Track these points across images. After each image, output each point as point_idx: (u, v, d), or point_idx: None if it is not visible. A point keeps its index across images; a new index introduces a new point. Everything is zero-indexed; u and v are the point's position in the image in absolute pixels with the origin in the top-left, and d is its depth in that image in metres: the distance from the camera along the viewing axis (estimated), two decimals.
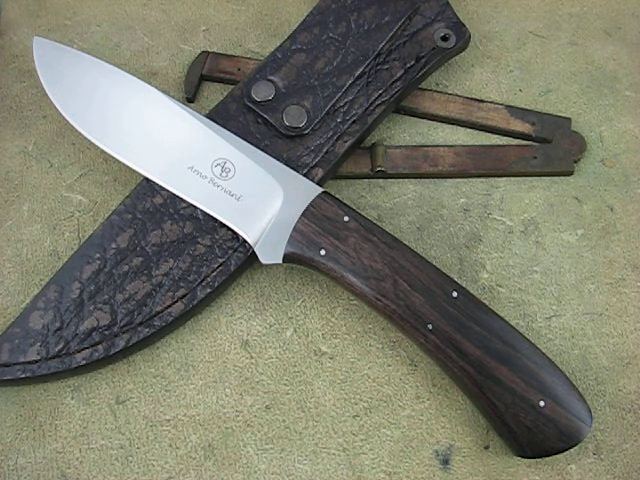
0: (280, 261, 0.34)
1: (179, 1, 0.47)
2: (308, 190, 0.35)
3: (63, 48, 0.37)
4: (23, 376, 0.33)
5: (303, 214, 0.34)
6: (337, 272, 0.34)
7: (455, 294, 0.33)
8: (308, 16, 0.41)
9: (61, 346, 0.34)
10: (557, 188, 0.41)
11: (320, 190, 0.35)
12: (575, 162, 0.41)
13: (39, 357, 0.33)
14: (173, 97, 0.38)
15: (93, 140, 0.36)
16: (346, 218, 0.34)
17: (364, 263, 0.33)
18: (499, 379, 0.31)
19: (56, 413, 0.34)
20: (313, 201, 0.34)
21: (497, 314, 0.33)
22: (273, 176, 0.35)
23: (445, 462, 0.34)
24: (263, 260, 0.35)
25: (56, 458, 0.33)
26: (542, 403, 0.31)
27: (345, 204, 0.35)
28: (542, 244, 0.39)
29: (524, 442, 0.32)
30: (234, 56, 0.43)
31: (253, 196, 0.35)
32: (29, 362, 0.33)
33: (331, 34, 0.41)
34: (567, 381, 0.32)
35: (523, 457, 0.32)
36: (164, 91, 0.37)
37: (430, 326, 0.32)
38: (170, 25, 0.46)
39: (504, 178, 0.41)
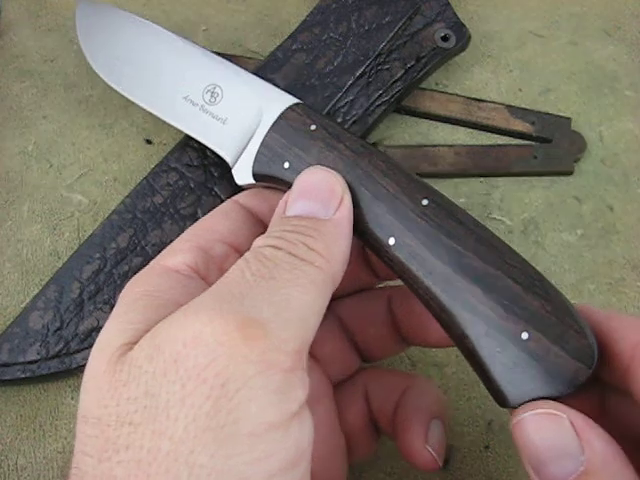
0: (252, 180, 0.31)
1: (179, 1, 0.47)
2: (282, 103, 0.31)
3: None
4: (23, 376, 0.33)
5: (271, 127, 0.31)
6: None
7: (425, 202, 0.27)
8: (309, 16, 0.41)
9: (61, 346, 0.34)
10: (557, 188, 0.41)
11: (294, 101, 0.32)
12: (575, 162, 0.41)
13: (39, 357, 0.33)
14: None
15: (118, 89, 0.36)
16: (313, 127, 0.29)
17: None
18: (471, 303, 0.25)
19: (56, 413, 0.34)
20: (283, 113, 0.31)
21: (480, 224, 0.27)
22: (255, 94, 0.32)
23: (445, 462, 0.34)
24: (238, 181, 0.32)
25: (56, 458, 0.33)
26: (525, 335, 0.24)
27: (322, 114, 0.31)
28: (542, 244, 0.39)
29: (502, 384, 0.24)
30: (234, 56, 0.43)
31: (236, 118, 0.33)
32: (29, 362, 0.33)
33: (332, 34, 0.41)
34: (565, 307, 0.24)
35: (503, 406, 0.24)
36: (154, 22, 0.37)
37: (392, 240, 0.27)
38: (170, 25, 0.45)
39: (504, 178, 0.41)
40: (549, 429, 0.20)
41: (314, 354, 0.29)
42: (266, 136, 0.31)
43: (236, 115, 0.33)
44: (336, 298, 0.30)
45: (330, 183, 0.25)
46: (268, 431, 0.19)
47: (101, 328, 0.34)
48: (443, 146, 0.41)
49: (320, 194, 0.25)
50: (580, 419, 0.20)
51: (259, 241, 0.24)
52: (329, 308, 0.27)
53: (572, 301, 0.37)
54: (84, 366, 0.34)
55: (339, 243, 0.24)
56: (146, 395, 0.19)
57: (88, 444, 0.20)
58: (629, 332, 0.21)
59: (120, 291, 0.35)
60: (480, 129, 0.42)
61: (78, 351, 0.34)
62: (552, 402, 0.21)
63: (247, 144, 0.32)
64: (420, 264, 0.26)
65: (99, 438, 0.19)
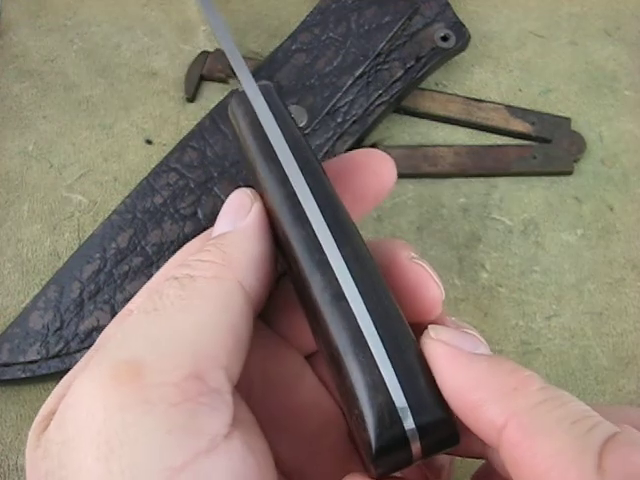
0: None
1: (179, 1, 0.47)
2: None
3: None
4: (23, 376, 0.33)
5: None
6: None
7: None
8: (308, 16, 0.41)
9: (61, 346, 0.34)
10: (557, 188, 0.41)
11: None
12: (575, 162, 0.41)
13: (39, 357, 0.33)
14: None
15: None
16: (237, 131, 0.25)
17: None
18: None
19: None
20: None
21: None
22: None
23: None
24: None
25: None
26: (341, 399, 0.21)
27: (244, 106, 0.24)
28: (542, 244, 0.39)
29: None
30: None
31: None
32: (29, 362, 0.33)
33: (331, 34, 0.41)
34: (369, 385, 0.19)
35: None
36: None
37: None
38: (170, 25, 0.46)
39: (504, 178, 0.41)
40: None
41: (327, 384, 0.26)
42: None
43: None
44: None
45: (238, 199, 0.23)
46: (173, 477, 0.17)
47: (101, 328, 0.34)
48: (443, 146, 0.41)
49: (229, 214, 0.23)
50: None
51: None
52: None
53: (572, 301, 0.37)
54: None
55: (241, 246, 0.22)
56: (60, 466, 0.18)
57: None
58: (494, 413, 0.18)
59: (120, 291, 0.35)
60: (480, 129, 0.42)
61: (78, 351, 0.34)
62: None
63: None
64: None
65: None
